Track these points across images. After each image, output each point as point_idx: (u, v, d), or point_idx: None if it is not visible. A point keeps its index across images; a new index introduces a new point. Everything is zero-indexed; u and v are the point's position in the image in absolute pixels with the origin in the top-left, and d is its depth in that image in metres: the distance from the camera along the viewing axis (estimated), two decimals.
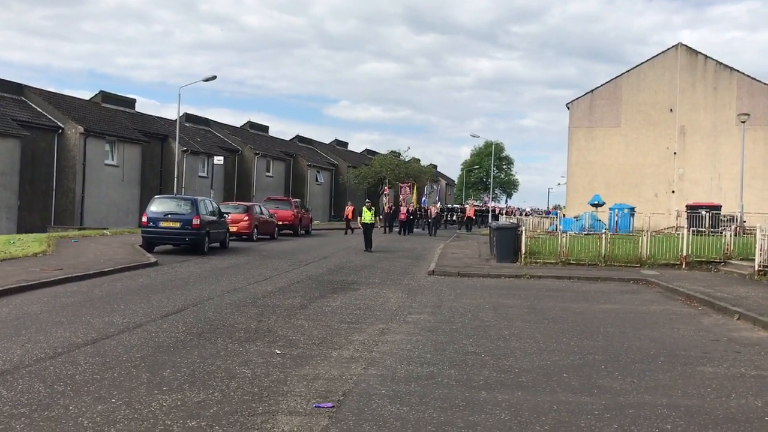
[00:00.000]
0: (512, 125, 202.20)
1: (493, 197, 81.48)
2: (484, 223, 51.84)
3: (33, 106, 36.36)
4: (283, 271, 16.68)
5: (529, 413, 5.81)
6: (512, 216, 51.68)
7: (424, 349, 8.25)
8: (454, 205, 64.16)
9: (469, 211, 45.67)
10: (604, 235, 20.20)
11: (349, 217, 38.50)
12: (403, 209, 39.62)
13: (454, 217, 54.12)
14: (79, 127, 35.70)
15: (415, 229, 41.23)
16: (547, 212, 68.72)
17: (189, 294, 12.26)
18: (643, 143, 42.65)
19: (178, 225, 20.15)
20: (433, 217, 39.89)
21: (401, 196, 47.43)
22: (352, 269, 17.74)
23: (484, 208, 60.48)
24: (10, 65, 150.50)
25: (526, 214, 56.56)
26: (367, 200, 26.46)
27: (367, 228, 24.39)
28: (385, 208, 42.96)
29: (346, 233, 36.57)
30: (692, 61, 42.33)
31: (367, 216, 24.57)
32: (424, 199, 50.73)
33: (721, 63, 42.17)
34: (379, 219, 23.58)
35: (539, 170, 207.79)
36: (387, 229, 39.72)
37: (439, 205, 48.67)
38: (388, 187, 50.34)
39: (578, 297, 13.72)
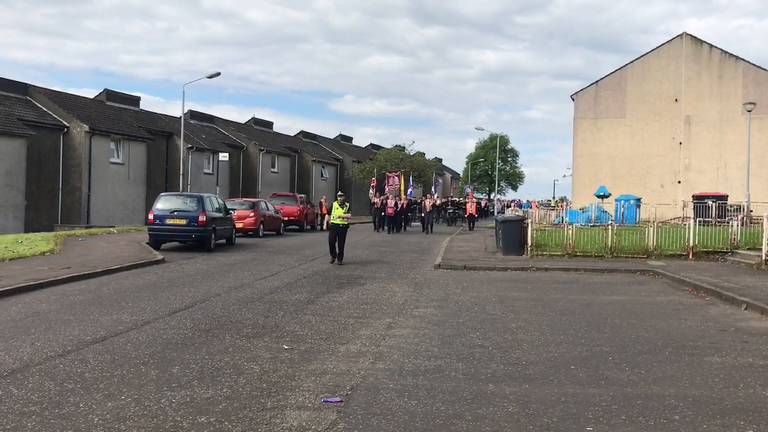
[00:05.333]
0: (518, 117, 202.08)
1: (498, 190, 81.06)
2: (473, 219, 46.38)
3: (38, 105, 36.52)
4: (290, 267, 16.71)
5: (536, 405, 5.82)
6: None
7: (432, 343, 8.27)
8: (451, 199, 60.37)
9: (471, 208, 39.71)
10: (610, 227, 20.17)
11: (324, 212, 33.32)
12: (391, 203, 33.88)
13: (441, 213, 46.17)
14: (84, 125, 35.82)
15: (407, 226, 37.07)
16: (519, 204, 66.48)
17: (196, 291, 12.30)
18: (648, 134, 42.53)
19: (184, 222, 20.20)
20: (428, 211, 35.07)
21: (387, 187, 41.28)
22: (358, 264, 17.75)
23: (461, 201, 52.28)
24: (14, 64, 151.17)
25: (505, 206, 57.33)
26: (339, 193, 19.16)
27: (338, 231, 17.72)
28: (373, 200, 36.66)
29: (322, 228, 31.53)
30: (697, 50, 42.14)
31: (337, 214, 17.75)
32: (410, 190, 45.29)
33: (726, 52, 41.96)
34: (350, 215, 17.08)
35: (545, 162, 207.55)
36: (378, 226, 34.50)
37: (436, 197, 43.60)
38: (376, 178, 43.90)
39: (585, 289, 13.71)
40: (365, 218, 45.66)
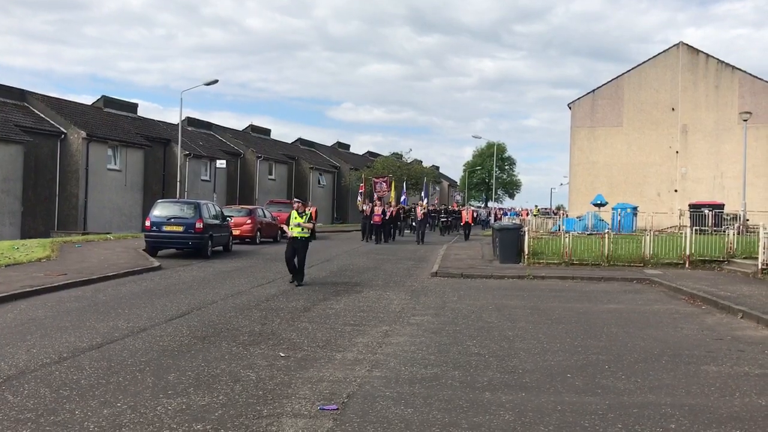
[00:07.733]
0: (516, 125, 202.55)
1: (495, 198, 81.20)
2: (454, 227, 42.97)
3: (35, 111, 36.51)
4: (287, 274, 16.65)
5: (533, 414, 5.83)
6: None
7: (428, 351, 8.27)
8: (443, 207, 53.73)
9: (466, 216, 37.20)
10: (607, 235, 20.20)
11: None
12: (378, 210, 31.26)
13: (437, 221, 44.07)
14: (82, 132, 35.83)
15: (398, 235, 35.29)
16: (504, 212, 66.08)
17: (193, 298, 12.29)
18: (645, 142, 42.67)
19: (181, 229, 20.18)
20: (419, 219, 32.96)
21: (375, 194, 38.56)
22: (355, 271, 17.75)
23: (441, 208, 48.25)
24: (12, 71, 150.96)
25: (499, 214, 57.75)
26: (296, 199, 16.50)
27: (297, 245, 14.90)
28: (361, 208, 33.89)
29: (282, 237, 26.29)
30: (693, 59, 42.34)
31: (295, 222, 14.98)
32: (404, 198, 41.77)
33: (722, 61, 42.18)
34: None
35: (543, 170, 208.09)
36: (365, 236, 31.75)
37: (426, 203, 40.26)
38: (363, 185, 40.22)
39: (582, 297, 13.72)
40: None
